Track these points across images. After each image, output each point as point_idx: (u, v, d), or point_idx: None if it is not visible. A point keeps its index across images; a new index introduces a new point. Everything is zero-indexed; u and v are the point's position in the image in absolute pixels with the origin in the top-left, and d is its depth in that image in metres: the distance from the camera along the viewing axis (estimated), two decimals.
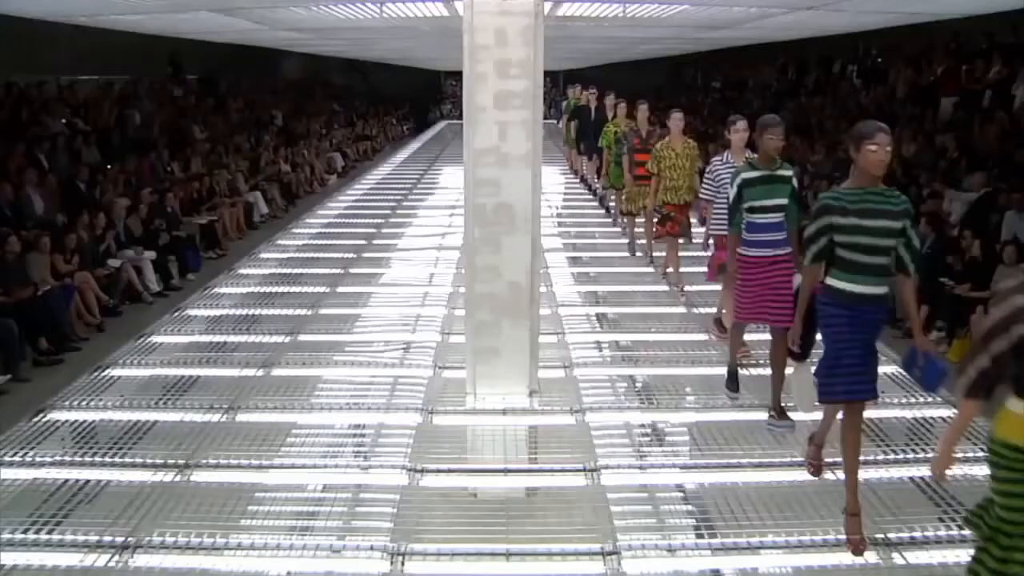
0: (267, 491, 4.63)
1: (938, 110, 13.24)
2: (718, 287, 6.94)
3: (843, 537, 3.99)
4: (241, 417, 5.42)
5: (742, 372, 5.98)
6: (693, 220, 8.00)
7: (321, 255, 10.26)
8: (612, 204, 11.57)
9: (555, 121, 25.20)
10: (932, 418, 5.29)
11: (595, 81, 14.83)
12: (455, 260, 9.50)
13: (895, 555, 3.87)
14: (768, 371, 5.21)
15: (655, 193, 8.01)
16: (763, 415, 5.31)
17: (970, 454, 4.81)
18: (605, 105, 11.68)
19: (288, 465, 4.83)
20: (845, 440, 4.05)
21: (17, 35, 12.41)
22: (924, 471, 4.63)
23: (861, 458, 4.57)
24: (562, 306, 7.73)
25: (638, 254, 9.44)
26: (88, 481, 4.59)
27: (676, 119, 7.75)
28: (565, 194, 14.77)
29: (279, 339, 6.95)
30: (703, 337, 6.76)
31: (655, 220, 8.20)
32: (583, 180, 14.90)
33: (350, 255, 10.13)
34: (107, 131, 13.01)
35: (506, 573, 3.88)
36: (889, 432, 5.04)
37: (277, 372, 6.22)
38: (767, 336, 5.88)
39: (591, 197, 13.72)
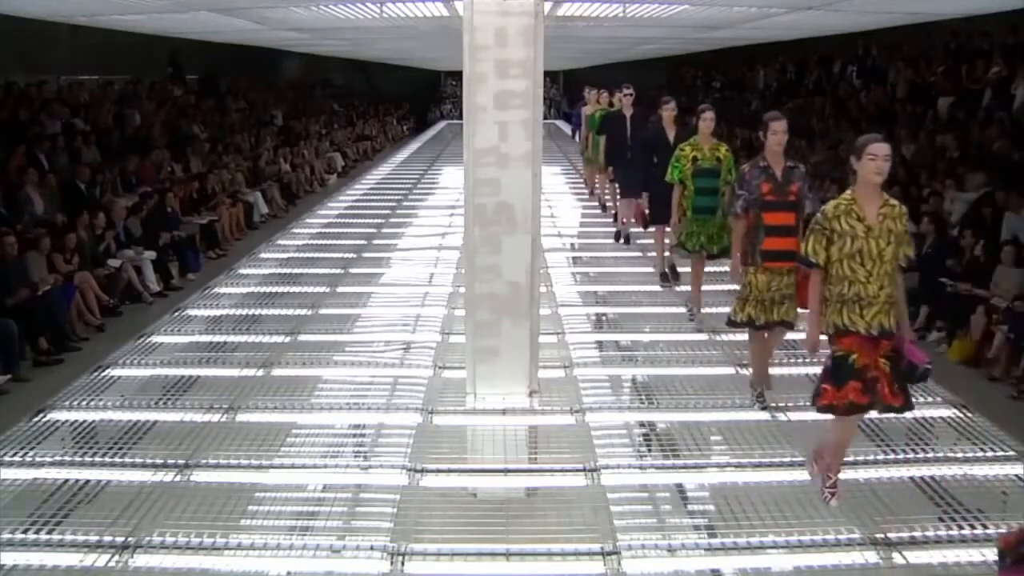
0: (267, 491, 4.64)
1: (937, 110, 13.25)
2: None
3: (843, 537, 4.00)
4: (241, 417, 5.43)
5: (740, 372, 5.98)
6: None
7: (321, 255, 10.27)
8: (665, 263, 8.06)
9: (565, 124, 24.51)
10: (932, 418, 5.29)
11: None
12: (455, 260, 9.50)
13: (895, 555, 3.87)
14: None
15: (820, 306, 4.18)
16: (764, 415, 5.31)
17: (970, 454, 4.83)
18: (662, 118, 7.74)
19: (288, 465, 4.83)
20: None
21: (17, 35, 12.39)
22: (924, 471, 4.64)
23: (861, 458, 4.59)
24: (562, 306, 7.73)
25: (767, 413, 5.40)
26: (88, 481, 4.60)
27: (876, 152, 3.97)
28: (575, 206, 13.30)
29: (279, 339, 6.96)
30: (703, 337, 6.76)
31: (826, 368, 4.19)
32: (610, 212, 11.32)
33: (350, 255, 10.14)
34: (107, 131, 13.00)
35: (506, 573, 3.88)
36: (889, 432, 5.04)
37: (277, 372, 6.22)
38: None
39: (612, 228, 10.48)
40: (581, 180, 14.65)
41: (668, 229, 7.53)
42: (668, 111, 7.70)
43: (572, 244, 10.81)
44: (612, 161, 9.89)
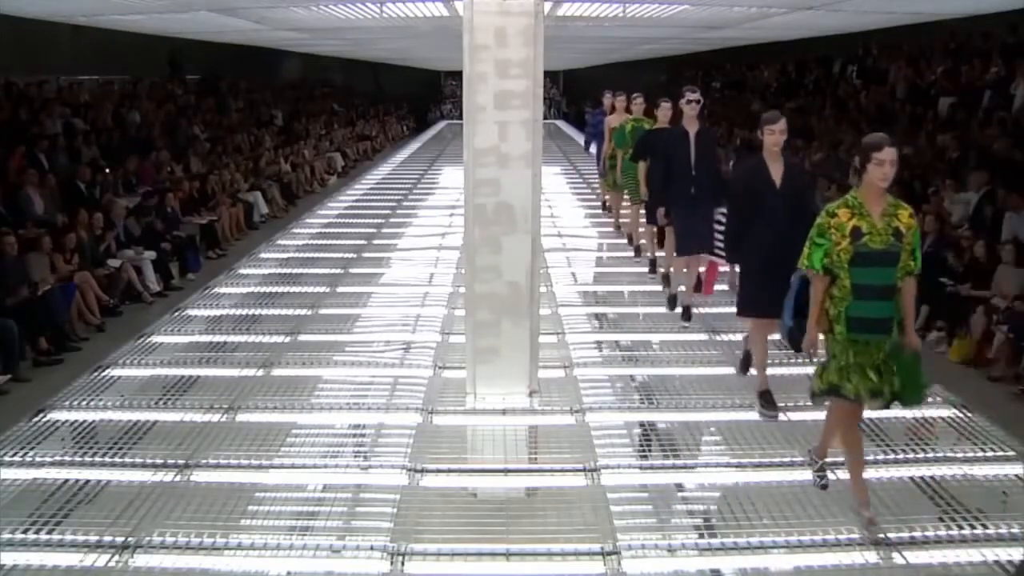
0: (267, 491, 4.64)
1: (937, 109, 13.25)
2: None
3: (843, 537, 4.00)
4: (241, 417, 5.43)
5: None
6: None
7: (321, 255, 10.27)
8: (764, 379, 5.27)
9: (565, 124, 23.87)
10: (932, 418, 5.29)
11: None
12: (455, 260, 9.50)
13: (895, 555, 3.87)
14: None
15: None
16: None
17: (970, 454, 4.83)
18: (764, 144, 4.90)
19: (288, 465, 4.83)
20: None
21: (17, 35, 12.40)
22: (924, 471, 4.64)
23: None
24: (562, 306, 7.73)
25: None
26: (88, 481, 4.60)
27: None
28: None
29: (279, 339, 6.96)
30: (703, 337, 6.75)
31: None
32: (638, 250, 9.09)
33: (350, 255, 10.14)
34: (107, 131, 13.00)
35: (506, 573, 3.88)
36: (889, 432, 5.04)
37: (277, 372, 6.22)
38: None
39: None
40: (599, 203, 12.17)
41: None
42: (774, 133, 4.85)
43: (570, 244, 10.79)
44: (662, 196, 6.59)
